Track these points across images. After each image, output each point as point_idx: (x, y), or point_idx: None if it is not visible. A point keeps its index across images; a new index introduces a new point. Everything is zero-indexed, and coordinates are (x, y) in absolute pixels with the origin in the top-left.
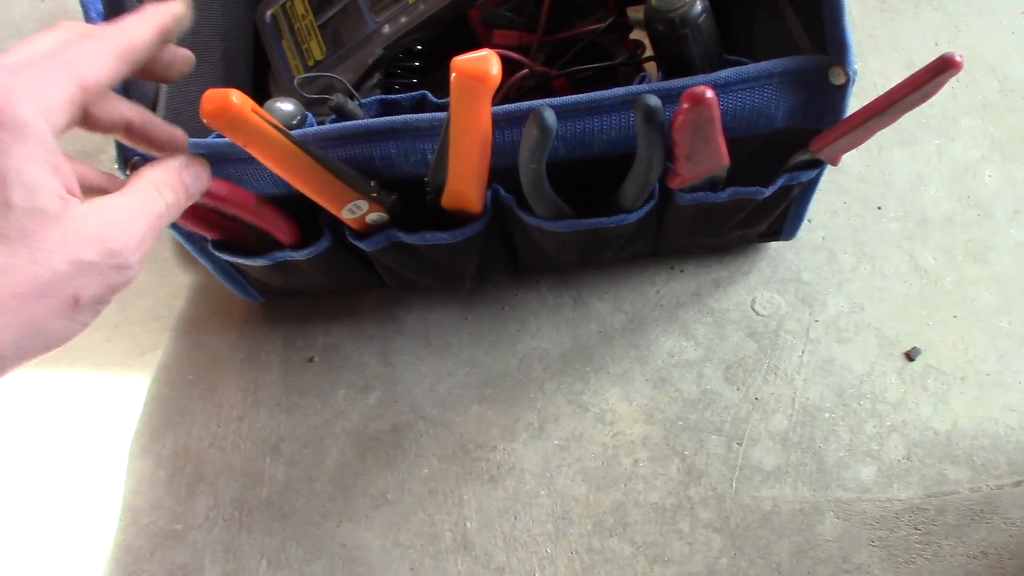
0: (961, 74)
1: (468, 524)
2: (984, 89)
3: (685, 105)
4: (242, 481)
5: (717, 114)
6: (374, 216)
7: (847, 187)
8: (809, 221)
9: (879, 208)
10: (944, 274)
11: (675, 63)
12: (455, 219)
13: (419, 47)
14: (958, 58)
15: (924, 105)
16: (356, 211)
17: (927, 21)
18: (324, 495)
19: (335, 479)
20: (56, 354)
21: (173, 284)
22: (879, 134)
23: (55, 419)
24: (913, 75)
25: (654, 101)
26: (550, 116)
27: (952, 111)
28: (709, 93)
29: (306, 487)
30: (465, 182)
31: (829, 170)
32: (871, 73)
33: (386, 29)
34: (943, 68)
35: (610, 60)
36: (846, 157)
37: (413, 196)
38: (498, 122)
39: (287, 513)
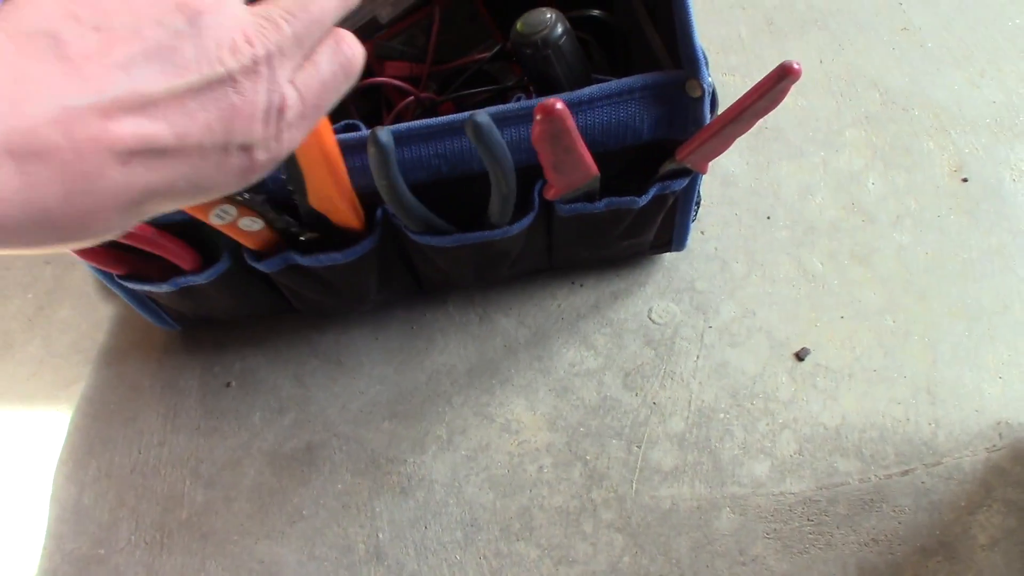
0: (845, 88)
1: (380, 535)
2: (866, 102)
3: (538, 117)
4: (163, 504)
5: (571, 124)
6: (247, 222)
7: (738, 199)
8: (702, 233)
9: (768, 218)
10: (831, 277)
11: (544, 83)
12: (348, 237)
13: None
14: (796, 66)
15: (810, 119)
16: (225, 216)
17: (812, 40)
18: (242, 514)
19: (252, 498)
20: None
21: (95, 317)
22: (768, 148)
23: None
24: (757, 84)
25: (482, 118)
26: (384, 135)
27: (837, 124)
28: (559, 105)
29: (224, 507)
30: (324, 194)
31: (720, 183)
32: None
33: None
34: (783, 75)
35: (498, 85)
36: (737, 171)
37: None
38: (349, 148)
39: (206, 533)
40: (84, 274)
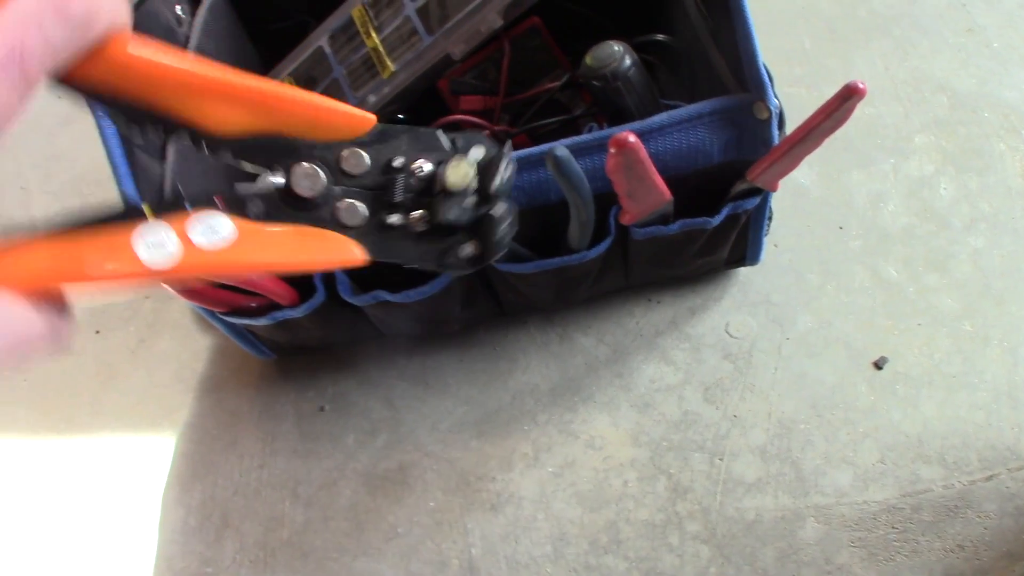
0: (912, 93)
1: (473, 551)
2: (934, 106)
3: (612, 150)
4: (265, 524)
5: (644, 155)
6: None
7: (809, 211)
8: (775, 246)
9: (841, 228)
10: (906, 285)
11: (615, 113)
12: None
13: (400, 116)
14: (861, 85)
15: (878, 127)
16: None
17: (876, 47)
18: (340, 532)
19: (349, 517)
20: (90, 419)
21: (194, 348)
22: (838, 159)
23: (93, 479)
24: (824, 104)
25: (561, 152)
26: (561, 151)
27: (905, 130)
28: (631, 138)
29: (323, 526)
30: None
31: (791, 195)
32: (825, 100)
33: (371, 99)
34: (849, 95)
35: (569, 114)
36: (807, 182)
37: None
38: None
39: (307, 551)
40: (182, 308)
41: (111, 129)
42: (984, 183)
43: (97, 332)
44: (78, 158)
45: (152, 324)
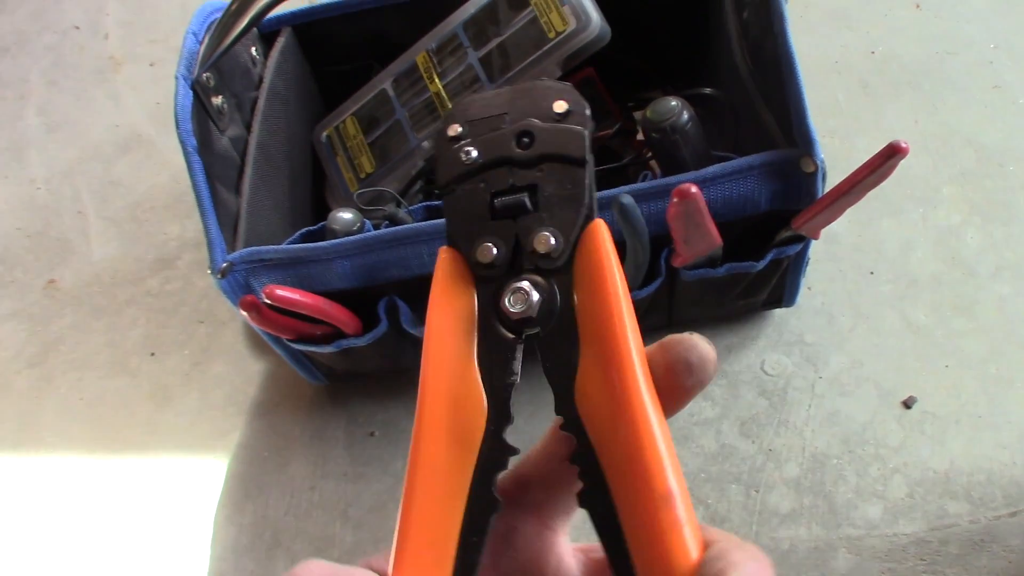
0: (940, 146)
1: None
2: (962, 159)
3: (675, 199)
4: (316, 544)
5: (703, 204)
6: None
7: (842, 256)
8: (809, 288)
9: (872, 273)
10: (935, 328)
11: (670, 162)
12: None
13: None
14: (903, 144)
15: (908, 178)
16: None
17: (907, 101)
18: None
19: None
20: (145, 439)
21: (247, 372)
22: (869, 207)
23: (147, 497)
24: (868, 161)
25: (627, 200)
26: (627, 199)
27: (934, 181)
28: (693, 189)
29: (373, 548)
30: None
31: (825, 240)
32: (858, 152)
33: (426, 144)
34: (892, 153)
35: (620, 160)
36: (840, 229)
37: None
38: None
39: None
40: (235, 333)
41: (198, 164)
42: (1009, 233)
43: (152, 355)
44: (135, 185)
45: (206, 348)
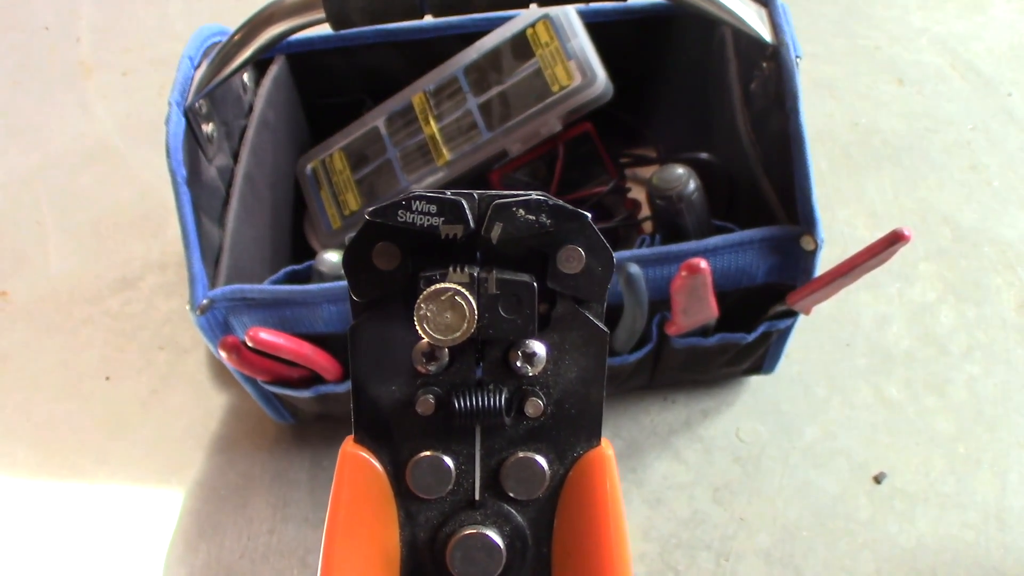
0: (918, 223)
1: None
2: (939, 237)
3: (683, 273)
4: None
5: (710, 280)
6: None
7: (820, 326)
8: (787, 357)
9: (848, 345)
10: (907, 405)
11: (672, 229)
12: None
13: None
14: (906, 232)
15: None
16: None
17: (888, 175)
18: None
19: None
20: (95, 468)
21: (208, 404)
22: None
23: (94, 530)
24: (870, 245)
25: (635, 269)
26: (634, 268)
27: (911, 257)
28: (703, 264)
29: None
30: None
31: None
32: (838, 223)
33: (423, 183)
34: (894, 240)
35: (612, 216)
36: None
37: None
38: None
39: None
40: (197, 362)
41: (187, 196)
42: (981, 314)
43: (107, 379)
44: (100, 199)
45: (166, 376)
